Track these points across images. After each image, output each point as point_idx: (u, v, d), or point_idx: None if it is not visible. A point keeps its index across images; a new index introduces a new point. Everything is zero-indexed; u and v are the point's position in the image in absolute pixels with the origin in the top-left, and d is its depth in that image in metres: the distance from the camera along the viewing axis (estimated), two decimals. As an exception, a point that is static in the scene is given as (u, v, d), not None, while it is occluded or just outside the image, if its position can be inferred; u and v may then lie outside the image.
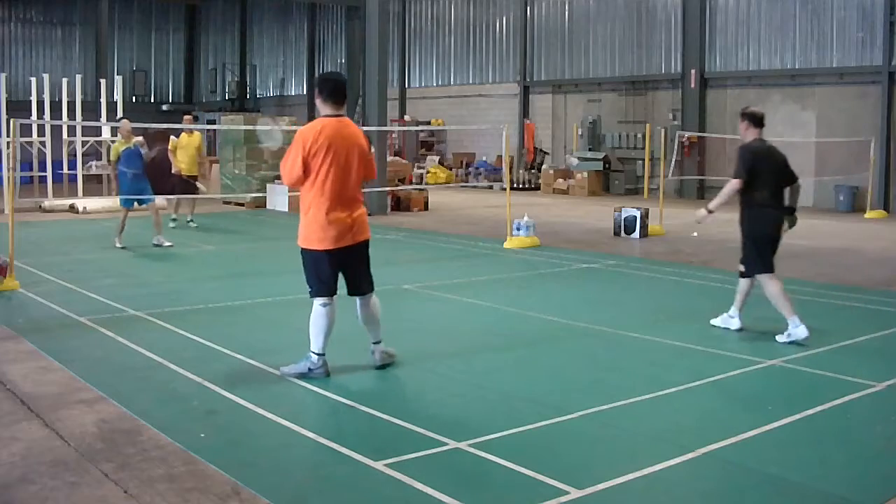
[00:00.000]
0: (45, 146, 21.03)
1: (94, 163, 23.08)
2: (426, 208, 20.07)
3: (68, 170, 21.64)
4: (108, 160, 13.52)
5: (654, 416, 5.46)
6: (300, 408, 5.64)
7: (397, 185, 20.04)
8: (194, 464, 4.55)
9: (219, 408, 5.50)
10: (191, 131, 15.63)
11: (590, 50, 27.42)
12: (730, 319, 7.78)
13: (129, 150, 12.62)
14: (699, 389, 6.08)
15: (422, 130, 30.06)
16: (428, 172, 27.14)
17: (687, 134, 22.52)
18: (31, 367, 6.41)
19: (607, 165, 25.98)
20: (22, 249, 10.90)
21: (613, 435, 5.13)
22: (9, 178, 10.42)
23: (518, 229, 13.75)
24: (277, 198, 19.70)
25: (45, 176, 21.09)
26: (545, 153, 28.41)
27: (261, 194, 19.76)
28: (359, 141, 6.17)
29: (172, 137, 15.79)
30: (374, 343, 6.37)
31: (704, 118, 24.05)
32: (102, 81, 24.43)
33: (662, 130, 24.17)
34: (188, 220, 16.04)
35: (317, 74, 37.47)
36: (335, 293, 6.14)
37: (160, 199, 14.14)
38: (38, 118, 20.98)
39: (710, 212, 7.80)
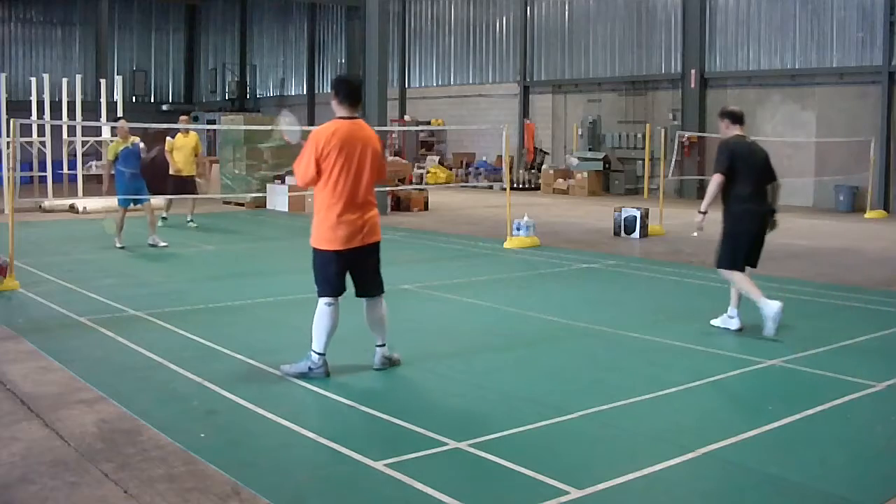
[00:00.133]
0: (45, 146, 21.03)
1: (93, 163, 23.09)
2: (426, 208, 20.07)
3: (68, 170, 21.63)
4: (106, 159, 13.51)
5: (654, 416, 5.46)
6: (300, 408, 5.64)
7: (397, 185, 20.04)
8: (194, 464, 4.55)
9: (219, 408, 5.50)
10: (187, 131, 15.64)
11: (590, 50, 27.43)
12: (729, 320, 7.79)
13: (126, 150, 12.63)
14: (699, 389, 6.08)
15: (422, 130, 30.06)
16: (428, 172, 27.14)
17: (687, 134, 22.52)
18: (31, 367, 6.41)
19: (607, 165, 25.98)
20: (22, 249, 10.90)
21: (613, 435, 5.13)
22: (9, 178, 10.42)
23: (518, 229, 13.75)
24: (277, 198, 19.70)
25: (45, 176, 21.09)
26: (545, 153, 28.41)
27: (261, 194, 19.75)
28: (372, 143, 6.18)
29: (168, 138, 15.81)
30: (378, 346, 6.37)
31: (704, 118, 24.05)
32: (102, 81, 24.43)
33: (662, 130, 24.17)
34: (188, 220, 16.04)
35: (317, 74, 37.56)
36: (341, 294, 6.15)
37: (156, 199, 14.15)
38: (38, 118, 20.98)
39: (703, 213, 7.81)
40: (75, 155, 21.31)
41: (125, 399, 5.59)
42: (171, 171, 15.38)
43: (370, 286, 6.28)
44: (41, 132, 21.46)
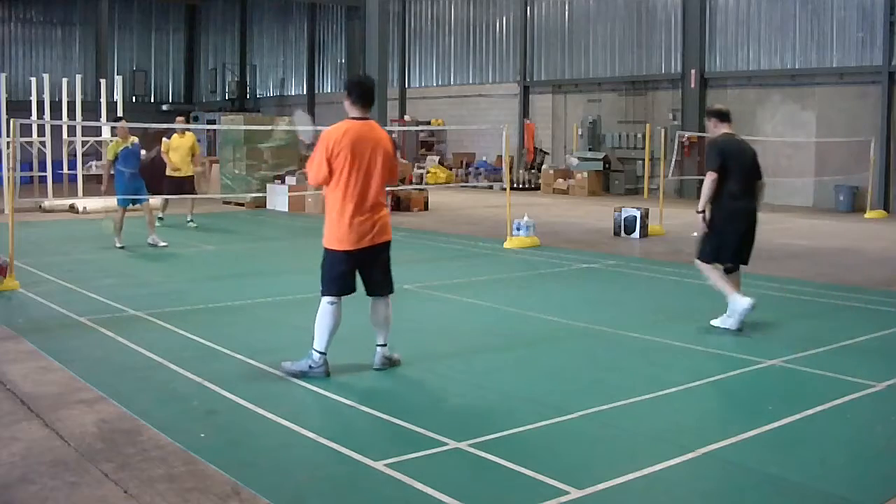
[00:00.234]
0: (45, 146, 21.03)
1: (93, 163, 23.08)
2: (426, 208, 20.07)
3: (68, 170, 21.63)
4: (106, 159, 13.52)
5: (654, 416, 5.45)
6: (300, 408, 5.64)
7: (397, 185, 20.02)
8: (194, 464, 4.54)
9: (219, 408, 5.50)
10: (183, 132, 15.64)
11: (590, 50, 27.42)
12: (729, 320, 7.79)
13: (126, 150, 12.64)
14: (699, 389, 6.09)
15: (422, 130, 30.06)
16: (428, 172, 27.13)
17: (687, 134, 22.52)
18: (31, 367, 6.41)
19: (607, 165, 25.98)
20: (22, 249, 10.90)
21: (613, 435, 5.13)
22: (9, 178, 10.42)
23: (518, 229, 13.75)
24: (277, 198, 19.70)
25: (45, 176, 21.08)
26: (545, 153, 28.41)
27: (261, 194, 19.76)
28: (383, 144, 6.18)
29: (164, 139, 15.82)
30: (379, 346, 6.37)
31: (704, 118, 24.03)
32: (102, 81, 24.43)
33: (662, 130, 24.17)
34: (188, 220, 16.04)
35: (317, 74, 37.58)
36: (345, 294, 6.16)
37: (155, 199, 14.15)
38: (38, 118, 20.98)
39: (701, 213, 7.82)
40: (75, 155, 21.31)
41: (125, 399, 5.59)
42: (167, 172, 15.40)
43: (380, 285, 6.29)
44: (41, 132, 21.45)
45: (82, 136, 21.44)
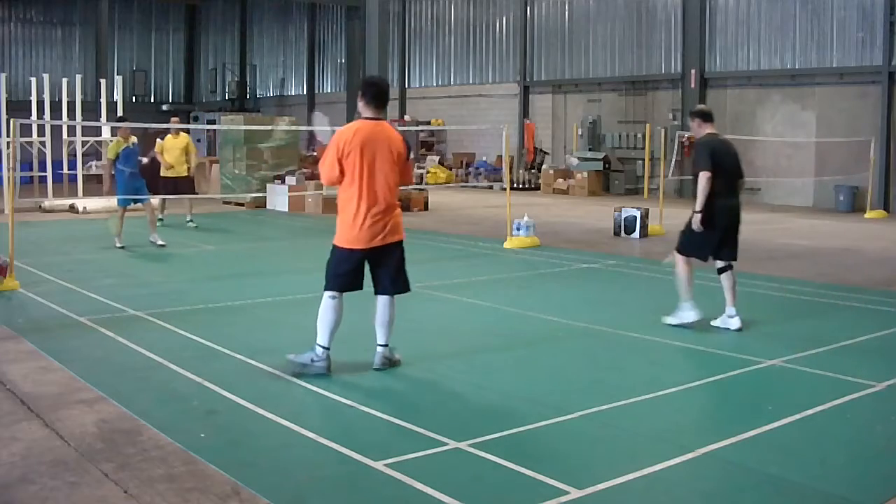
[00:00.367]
0: (45, 146, 21.03)
1: (94, 163, 23.09)
2: (426, 208, 20.06)
3: (68, 170, 21.63)
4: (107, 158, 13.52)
5: (654, 416, 5.46)
6: (300, 408, 5.64)
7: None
8: (194, 464, 4.54)
9: (219, 408, 5.50)
10: (177, 133, 15.65)
11: (590, 50, 27.42)
12: (728, 320, 7.81)
13: (127, 149, 12.66)
14: (699, 389, 6.09)
15: (422, 130, 30.06)
16: (428, 172, 27.13)
17: (687, 134, 22.45)
18: (31, 367, 6.41)
19: (607, 165, 25.98)
20: (22, 249, 10.90)
21: (613, 435, 5.13)
22: (9, 178, 10.42)
23: (518, 229, 13.75)
24: (277, 198, 19.70)
25: (45, 176, 21.08)
26: (545, 153, 28.41)
27: (261, 194, 19.76)
28: (393, 144, 6.19)
29: (158, 140, 15.83)
30: (380, 346, 6.38)
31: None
32: (102, 81, 24.43)
33: (662, 130, 24.17)
34: (188, 220, 16.04)
35: (317, 74, 37.58)
36: (347, 290, 6.17)
37: (156, 199, 14.16)
38: (38, 118, 20.98)
39: (699, 213, 7.84)
40: (75, 155, 21.32)
41: (125, 399, 5.58)
42: (161, 172, 15.40)
43: (392, 284, 6.28)
44: (41, 132, 21.45)
45: (82, 136, 21.44)
